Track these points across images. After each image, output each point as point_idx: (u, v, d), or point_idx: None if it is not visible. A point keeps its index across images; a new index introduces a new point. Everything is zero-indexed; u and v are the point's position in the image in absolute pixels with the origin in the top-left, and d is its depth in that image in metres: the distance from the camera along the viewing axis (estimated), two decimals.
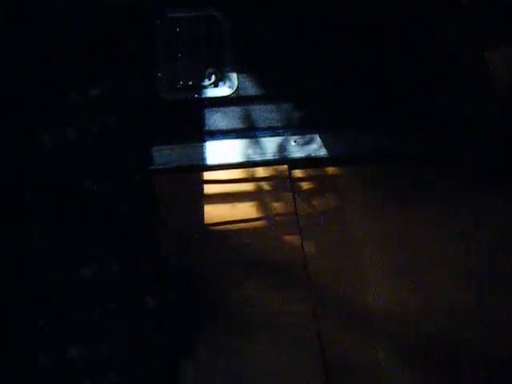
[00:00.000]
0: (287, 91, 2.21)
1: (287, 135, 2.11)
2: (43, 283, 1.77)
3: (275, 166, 2.08)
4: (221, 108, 2.16)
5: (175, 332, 1.81)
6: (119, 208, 1.84)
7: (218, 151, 2.08)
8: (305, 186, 2.08)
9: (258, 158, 2.07)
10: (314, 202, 2.05)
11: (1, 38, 2.14)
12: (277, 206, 2.03)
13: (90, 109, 1.94)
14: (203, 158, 2.07)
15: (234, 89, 2.19)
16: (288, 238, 1.98)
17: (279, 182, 2.07)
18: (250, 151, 2.08)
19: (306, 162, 2.09)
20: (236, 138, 2.10)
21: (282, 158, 2.08)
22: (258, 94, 2.20)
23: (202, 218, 2.00)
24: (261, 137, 2.10)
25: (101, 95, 1.95)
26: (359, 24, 2.35)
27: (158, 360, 1.75)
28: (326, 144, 2.11)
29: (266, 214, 2.01)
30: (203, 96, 2.17)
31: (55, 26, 2.19)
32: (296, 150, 2.10)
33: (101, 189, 1.83)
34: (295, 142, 2.11)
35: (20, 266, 1.80)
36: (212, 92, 2.19)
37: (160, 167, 2.05)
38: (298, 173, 2.09)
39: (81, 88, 1.95)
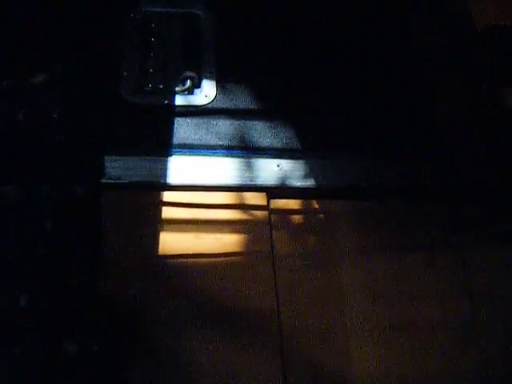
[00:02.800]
0: (273, 107, 1.87)
1: (270, 157, 1.77)
2: None
3: (252, 193, 1.71)
4: (194, 119, 1.80)
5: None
6: (47, 225, 1.43)
7: (185, 169, 1.71)
8: (284, 219, 1.71)
9: (232, 181, 1.70)
10: (293, 241, 1.69)
11: None
12: (249, 242, 1.66)
13: (26, 96, 1.54)
14: (165, 175, 1.70)
15: (212, 98, 1.85)
16: (259, 282, 1.60)
17: (255, 212, 1.70)
18: (223, 172, 1.71)
19: (289, 192, 1.74)
20: (207, 155, 1.74)
21: (261, 184, 1.72)
22: (239, 107, 1.85)
23: (157, 248, 1.62)
24: (238, 156, 1.74)
25: (45, 83, 1.57)
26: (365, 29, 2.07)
27: None
28: (313, 172, 1.77)
29: (236, 250, 1.64)
30: (174, 103, 1.82)
31: None
32: (278, 177, 1.74)
33: (27, 198, 1.42)
34: (278, 166, 1.75)
35: None
36: (185, 99, 1.83)
37: (111, 181, 1.68)
38: (277, 203, 1.72)
39: (21, 73, 1.57)
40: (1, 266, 1.32)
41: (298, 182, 1.74)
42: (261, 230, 1.68)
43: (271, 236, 1.67)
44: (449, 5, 2.11)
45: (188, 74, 1.86)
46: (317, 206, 1.75)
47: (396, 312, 1.64)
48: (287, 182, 1.74)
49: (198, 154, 1.74)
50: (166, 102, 1.82)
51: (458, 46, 2.09)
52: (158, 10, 1.98)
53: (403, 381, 1.57)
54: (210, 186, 1.70)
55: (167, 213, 1.68)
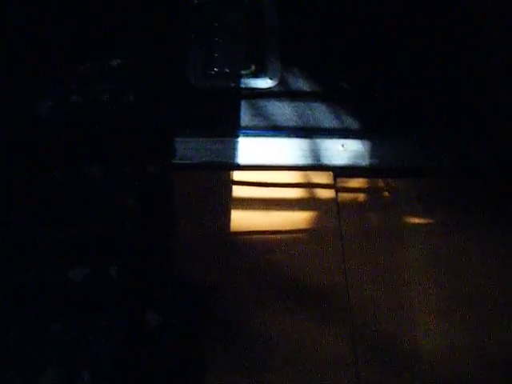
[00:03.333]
0: (338, 89, 1.91)
1: (334, 138, 1.81)
2: None
3: (319, 172, 1.76)
4: (259, 101, 1.86)
5: (182, 358, 1.48)
6: (125, 203, 1.51)
7: (253, 150, 1.77)
8: (351, 198, 1.75)
9: (298, 161, 1.75)
10: (360, 219, 1.73)
11: None
12: (317, 219, 1.71)
13: (103, 80, 1.61)
14: (234, 156, 1.76)
15: (277, 81, 1.90)
16: (328, 258, 1.65)
17: (322, 190, 1.75)
18: (289, 152, 1.77)
19: (355, 171, 1.78)
20: (274, 136, 1.79)
21: (327, 164, 1.77)
22: (304, 89, 1.90)
23: (228, 225, 1.68)
24: (303, 137, 1.79)
25: (119, 67, 1.64)
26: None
27: None
28: (378, 152, 1.80)
29: (305, 227, 1.69)
30: (240, 86, 1.88)
31: None
32: (344, 156, 1.78)
33: (106, 176, 1.50)
34: (343, 146, 1.80)
35: None
36: (250, 82, 1.89)
37: (182, 162, 1.75)
38: (344, 182, 1.77)
39: (96, 56, 1.65)
40: (92, 240, 1.40)
41: (363, 162, 1.78)
42: (328, 207, 1.72)
43: (338, 213, 1.71)
44: None
45: (252, 57, 1.92)
46: (382, 185, 1.78)
47: (459, 287, 1.67)
48: (352, 162, 1.78)
49: (265, 135, 1.80)
50: (233, 85, 1.88)
51: None
52: None
53: (468, 353, 1.60)
54: (277, 165, 1.75)
55: (237, 192, 1.74)
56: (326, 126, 1.83)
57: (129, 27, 1.81)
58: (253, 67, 1.91)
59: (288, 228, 1.69)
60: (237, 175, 1.76)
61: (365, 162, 1.79)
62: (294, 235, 1.69)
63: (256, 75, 1.90)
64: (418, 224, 1.73)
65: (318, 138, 1.80)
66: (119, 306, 1.42)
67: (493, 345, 1.61)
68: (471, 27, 2.12)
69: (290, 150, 1.78)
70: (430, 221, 1.75)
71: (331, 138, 1.81)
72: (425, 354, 1.59)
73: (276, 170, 1.75)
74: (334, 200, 1.73)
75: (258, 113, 1.84)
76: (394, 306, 1.63)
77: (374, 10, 2.09)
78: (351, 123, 1.85)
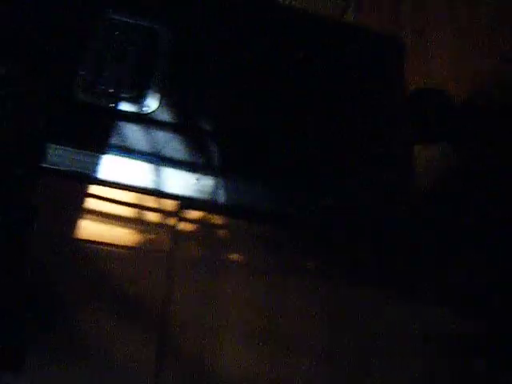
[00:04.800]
0: (207, 126, 2.11)
1: (191, 171, 2.01)
2: None
3: (167, 200, 1.96)
4: (132, 124, 2.04)
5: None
6: None
7: (115, 168, 1.95)
8: (191, 228, 1.97)
9: (151, 185, 1.95)
10: (194, 249, 1.94)
11: None
12: (155, 241, 1.91)
13: None
14: (96, 170, 1.95)
15: (154, 109, 2.08)
16: (156, 276, 1.86)
17: (166, 217, 1.95)
18: (145, 176, 1.96)
19: (201, 205, 1.99)
20: (135, 159, 1.98)
21: (177, 194, 1.97)
22: (177, 121, 2.09)
23: (76, 232, 1.87)
24: (161, 165, 1.99)
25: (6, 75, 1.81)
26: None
27: None
28: (229, 190, 2.01)
29: (142, 245, 1.89)
30: (118, 107, 2.05)
31: None
32: (196, 189, 1.99)
33: None
34: (197, 180, 2.00)
35: None
36: (129, 106, 2.07)
37: (49, 166, 1.92)
38: (188, 213, 1.98)
39: None
40: None
41: (211, 197, 1.99)
42: (168, 232, 1.93)
43: (175, 240, 1.92)
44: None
45: (136, 82, 2.09)
46: (222, 222, 1.99)
47: (269, 323, 1.90)
48: (203, 196, 1.99)
49: (128, 157, 1.98)
50: (112, 105, 2.05)
51: None
52: (124, 19, 2.20)
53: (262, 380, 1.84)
54: (131, 186, 1.94)
55: (91, 204, 1.93)
56: (186, 158, 2.03)
57: (17, 40, 1.97)
58: (135, 91, 2.09)
59: (128, 244, 1.89)
60: (94, 189, 1.94)
61: (214, 198, 1.99)
62: (131, 251, 1.89)
63: (136, 99, 2.08)
64: (244, 262, 1.95)
65: (176, 168, 2.00)
66: None
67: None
68: None
69: (146, 174, 1.97)
70: (258, 263, 1.97)
71: (188, 170, 2.01)
72: (226, 377, 1.83)
73: (129, 191, 1.95)
74: (174, 228, 1.94)
75: (127, 135, 2.02)
76: (208, 333, 1.85)
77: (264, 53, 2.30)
78: (211, 159, 2.06)
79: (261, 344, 1.87)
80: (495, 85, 2.57)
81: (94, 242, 1.84)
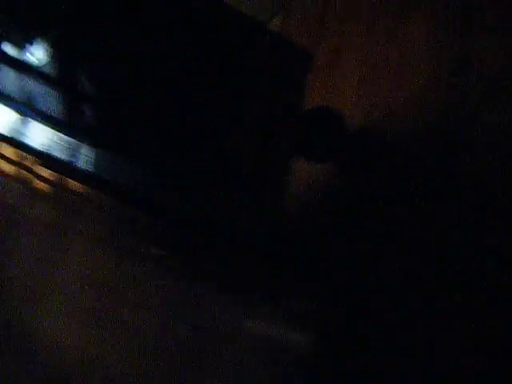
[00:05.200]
0: (90, 92, 2.09)
1: (57, 130, 2.00)
2: None
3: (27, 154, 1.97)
4: (14, 72, 2.02)
5: None
6: None
7: None
8: (44, 188, 1.99)
9: (13, 135, 1.96)
10: (45, 208, 1.96)
11: None
12: (7, 194, 1.93)
13: None
14: None
15: (42, 63, 2.03)
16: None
17: (22, 170, 1.96)
18: (11, 125, 1.96)
19: (60, 166, 1.98)
20: (7, 106, 1.98)
21: (38, 149, 1.95)
22: (60, 80, 2.07)
23: None
24: (31, 118, 1.98)
25: None
26: None
27: None
28: (91, 158, 2.01)
29: None
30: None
31: None
32: (56, 149, 1.97)
33: None
34: (61, 139, 1.99)
35: None
36: (17, 53, 2.04)
37: None
38: (45, 172, 1.97)
39: None
40: None
41: (70, 161, 2.01)
42: (20, 186, 1.95)
43: (27, 195, 1.94)
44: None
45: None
46: (77, 188, 2.02)
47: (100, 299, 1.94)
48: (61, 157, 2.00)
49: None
50: None
51: None
52: None
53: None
54: None
55: None
56: (58, 117, 2.02)
57: None
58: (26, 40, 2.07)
59: None
60: None
61: (74, 162, 2.02)
62: None
63: (26, 49, 2.07)
64: (90, 234, 1.99)
65: (43, 123, 1.98)
66: None
67: None
68: None
69: (12, 122, 1.98)
70: (105, 235, 2.01)
71: (55, 128, 1.98)
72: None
73: None
74: (28, 183, 1.96)
75: (4, 80, 2.02)
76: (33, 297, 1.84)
77: None
78: (82, 124, 2.07)
79: (86, 318, 1.88)
80: (396, 118, 2.62)
81: None
